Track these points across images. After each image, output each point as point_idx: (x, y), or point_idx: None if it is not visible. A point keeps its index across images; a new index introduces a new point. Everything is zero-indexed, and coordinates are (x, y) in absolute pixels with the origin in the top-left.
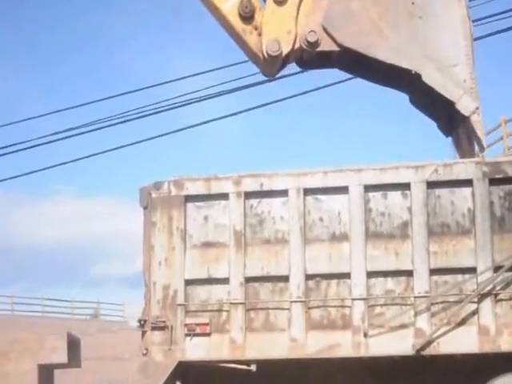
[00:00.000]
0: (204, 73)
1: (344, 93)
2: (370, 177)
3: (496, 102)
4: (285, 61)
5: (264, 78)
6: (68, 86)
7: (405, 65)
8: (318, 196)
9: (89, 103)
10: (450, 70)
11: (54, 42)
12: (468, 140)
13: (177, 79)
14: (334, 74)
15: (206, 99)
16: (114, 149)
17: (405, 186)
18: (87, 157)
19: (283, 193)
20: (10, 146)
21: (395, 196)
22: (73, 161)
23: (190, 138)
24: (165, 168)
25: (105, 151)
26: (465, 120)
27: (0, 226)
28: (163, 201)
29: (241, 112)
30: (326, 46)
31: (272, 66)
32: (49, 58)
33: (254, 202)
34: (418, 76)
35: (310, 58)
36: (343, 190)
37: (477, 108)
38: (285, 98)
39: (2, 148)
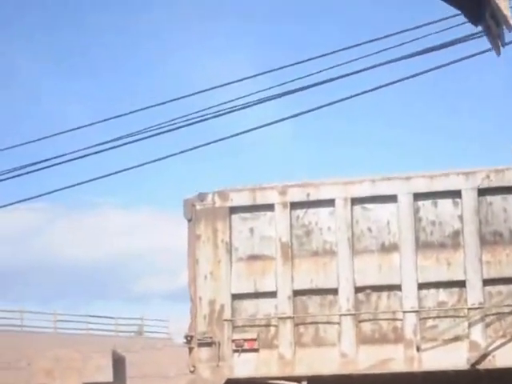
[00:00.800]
0: (250, 77)
1: (394, 97)
2: (419, 184)
3: None
4: None
5: (312, 82)
6: (103, 94)
7: None
8: (366, 205)
9: (124, 115)
10: None
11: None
12: (496, 23)
13: (220, 85)
14: (384, 77)
15: (250, 106)
16: (156, 160)
17: (455, 194)
18: (128, 169)
19: (330, 202)
20: (49, 159)
21: (446, 204)
22: (114, 173)
23: (235, 147)
24: (209, 178)
25: (146, 163)
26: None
27: (41, 241)
28: (208, 213)
29: (285, 119)
30: None
31: None
32: (87, 65)
33: (300, 212)
34: None
35: None
36: (392, 198)
37: None
38: (331, 103)
39: (41, 162)
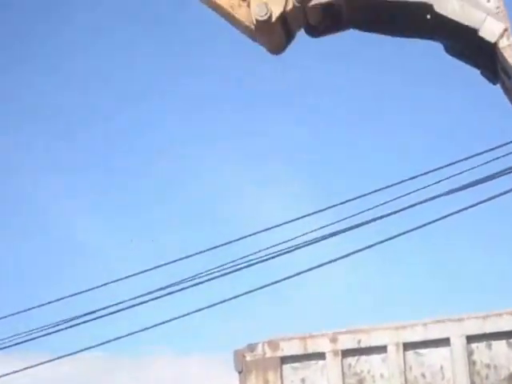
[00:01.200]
0: (303, 217)
1: (453, 228)
2: (472, 326)
3: None
4: (287, 29)
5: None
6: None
7: None
8: (419, 350)
9: (175, 261)
10: None
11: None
12: (508, 76)
13: (270, 228)
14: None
15: (302, 247)
16: (208, 307)
17: (509, 335)
18: (180, 317)
19: (382, 349)
20: (101, 309)
21: (500, 345)
22: (168, 321)
23: (286, 291)
24: (261, 323)
25: (198, 310)
26: (495, 50)
27: None
28: (258, 363)
29: (328, 262)
30: None
31: (270, 36)
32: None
33: (352, 360)
34: (430, 8)
35: (317, 20)
36: (445, 342)
37: (505, 30)
38: (382, 241)
39: (93, 312)
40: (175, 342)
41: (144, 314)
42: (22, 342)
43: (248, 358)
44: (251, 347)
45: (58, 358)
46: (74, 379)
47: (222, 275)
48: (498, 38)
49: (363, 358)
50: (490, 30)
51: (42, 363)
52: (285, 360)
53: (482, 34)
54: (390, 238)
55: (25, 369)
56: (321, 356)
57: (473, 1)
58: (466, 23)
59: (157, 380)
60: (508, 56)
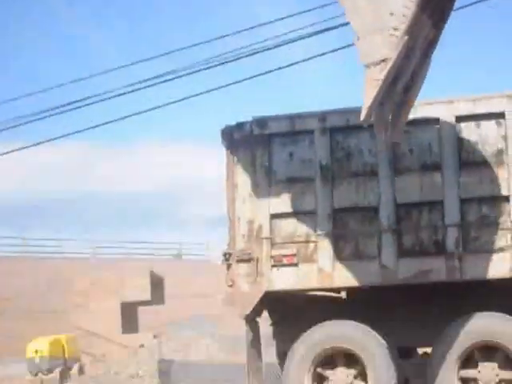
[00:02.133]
0: (289, 17)
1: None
2: (461, 108)
3: None
4: None
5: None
6: (144, 36)
7: None
8: (407, 128)
9: (168, 53)
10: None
11: None
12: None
13: (260, 25)
14: None
15: (288, 43)
16: (197, 95)
17: (499, 115)
18: (169, 103)
19: (371, 127)
20: (94, 96)
21: (489, 125)
22: (157, 107)
23: (276, 81)
24: (251, 112)
25: (186, 97)
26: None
27: (87, 175)
28: (246, 140)
29: (321, 54)
30: None
31: None
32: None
33: (340, 137)
34: None
35: None
36: (434, 121)
37: (383, 60)
38: None
39: (88, 98)
40: (165, 129)
41: (136, 102)
42: (11, 127)
43: (236, 135)
44: (239, 125)
45: (41, 142)
46: (57, 167)
47: (220, 64)
48: (369, 64)
49: (352, 135)
50: (368, 49)
51: (24, 148)
52: (273, 137)
53: (358, 45)
54: None
55: (9, 152)
56: (309, 133)
57: (379, 3)
58: (354, 27)
59: (146, 163)
60: (367, 86)
